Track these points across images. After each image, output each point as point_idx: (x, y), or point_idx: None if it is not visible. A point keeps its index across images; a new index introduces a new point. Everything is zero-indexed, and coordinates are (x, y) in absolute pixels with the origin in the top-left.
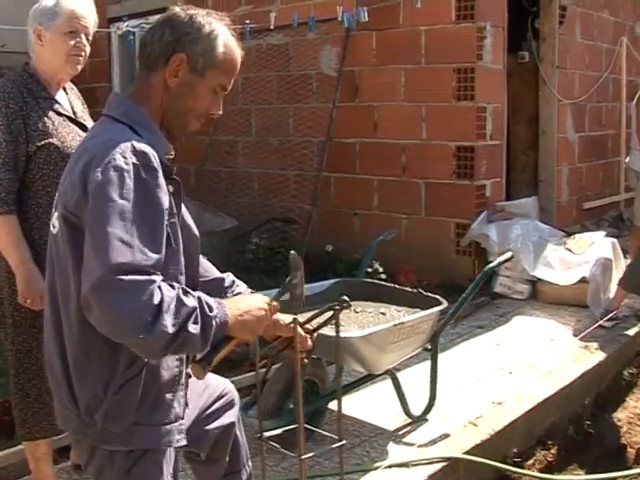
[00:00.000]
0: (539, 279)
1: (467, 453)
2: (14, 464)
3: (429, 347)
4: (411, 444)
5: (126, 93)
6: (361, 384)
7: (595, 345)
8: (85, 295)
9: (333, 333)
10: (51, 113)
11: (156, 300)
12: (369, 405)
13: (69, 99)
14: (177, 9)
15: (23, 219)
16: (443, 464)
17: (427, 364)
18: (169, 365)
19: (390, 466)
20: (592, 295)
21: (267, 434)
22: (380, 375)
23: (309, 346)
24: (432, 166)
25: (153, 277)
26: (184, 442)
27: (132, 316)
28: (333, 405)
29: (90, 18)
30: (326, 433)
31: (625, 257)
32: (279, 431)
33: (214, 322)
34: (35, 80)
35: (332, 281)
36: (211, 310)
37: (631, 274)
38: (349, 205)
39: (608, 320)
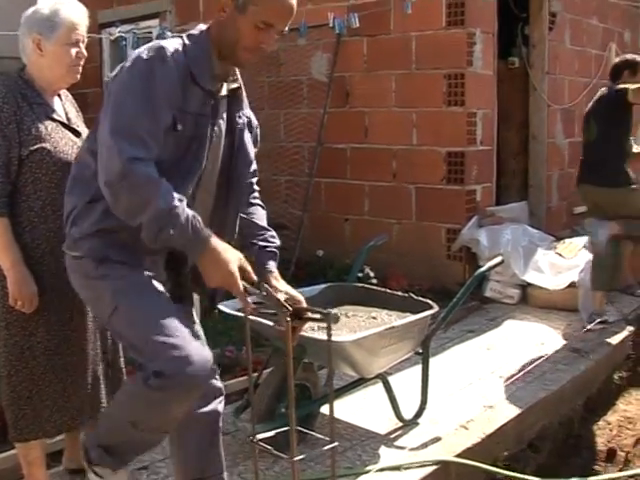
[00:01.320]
0: (529, 284)
1: (458, 456)
2: (6, 469)
3: (420, 351)
4: (403, 447)
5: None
6: (353, 388)
7: (585, 349)
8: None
9: (325, 337)
10: (45, 118)
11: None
12: (361, 409)
13: (63, 105)
14: None
15: (15, 222)
16: (435, 467)
17: (418, 368)
18: None
19: (382, 469)
20: (582, 299)
21: (259, 436)
22: (372, 379)
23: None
24: (423, 171)
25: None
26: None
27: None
28: (325, 409)
29: (85, 25)
30: (319, 435)
31: None
32: (271, 433)
33: (195, 225)
34: (30, 86)
35: (323, 286)
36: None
37: (596, 273)
38: (340, 210)
39: (598, 324)
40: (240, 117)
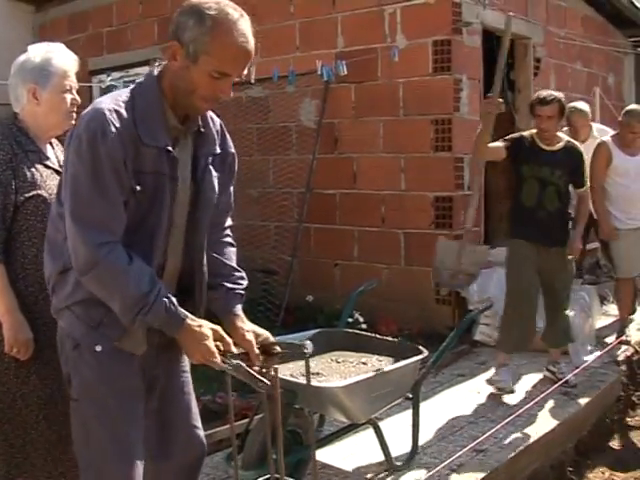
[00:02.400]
0: None
1: None
2: None
3: (411, 396)
4: None
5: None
6: (343, 434)
7: (575, 391)
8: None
9: (316, 383)
10: (39, 165)
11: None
12: (352, 455)
13: (55, 153)
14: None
15: (9, 270)
16: None
17: (409, 412)
18: None
19: None
20: (572, 343)
21: None
22: (362, 424)
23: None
24: (411, 216)
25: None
26: (99, 349)
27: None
28: (318, 454)
29: (75, 72)
30: None
31: (603, 304)
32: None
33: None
34: (24, 134)
35: (313, 331)
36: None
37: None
38: (329, 256)
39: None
40: (203, 158)
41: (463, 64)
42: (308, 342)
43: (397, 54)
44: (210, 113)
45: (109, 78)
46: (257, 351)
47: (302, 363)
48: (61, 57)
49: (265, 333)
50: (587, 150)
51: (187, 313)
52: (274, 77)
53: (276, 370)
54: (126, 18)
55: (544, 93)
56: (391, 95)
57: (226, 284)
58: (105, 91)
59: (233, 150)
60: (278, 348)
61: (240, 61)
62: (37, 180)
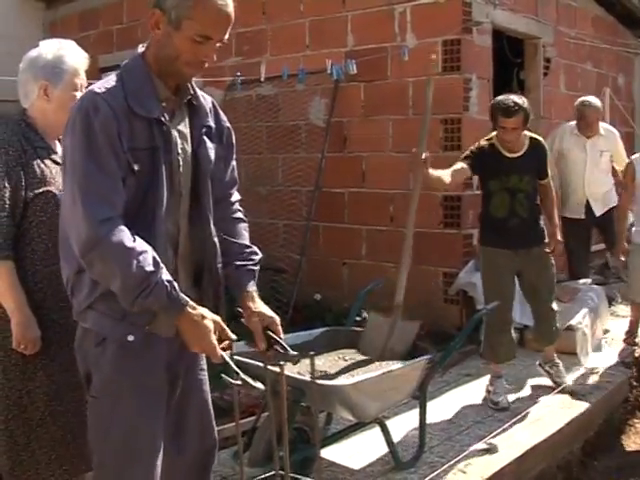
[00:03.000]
0: (526, 327)
1: None
2: None
3: (418, 395)
4: None
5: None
6: (350, 432)
7: (582, 392)
8: None
9: (324, 381)
10: (48, 161)
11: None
12: (358, 453)
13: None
14: None
15: (18, 266)
16: None
17: (416, 412)
18: None
19: None
20: (580, 344)
21: None
22: (369, 423)
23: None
24: (419, 215)
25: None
26: (131, 338)
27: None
28: (325, 452)
29: (85, 70)
30: None
31: (611, 305)
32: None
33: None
34: (33, 130)
35: (321, 330)
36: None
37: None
38: (338, 254)
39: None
40: (197, 130)
41: (473, 63)
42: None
43: (407, 53)
44: (200, 92)
45: None
46: (262, 336)
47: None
48: (73, 55)
49: (271, 316)
50: (593, 145)
51: (188, 299)
52: (284, 75)
53: (282, 366)
54: (136, 15)
55: (507, 101)
56: (401, 94)
57: (236, 262)
58: None
59: (228, 124)
60: (276, 337)
61: (221, 24)
62: (47, 176)
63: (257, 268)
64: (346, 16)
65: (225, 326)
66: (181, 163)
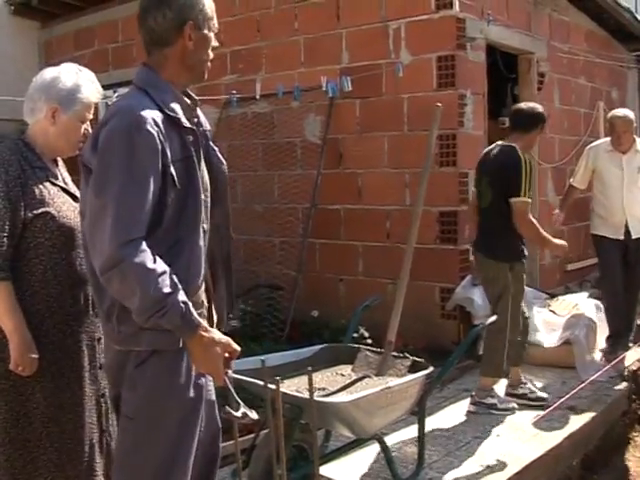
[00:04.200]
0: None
1: None
2: None
3: (416, 411)
4: None
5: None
6: (349, 449)
7: (581, 406)
8: None
9: (322, 398)
10: (47, 182)
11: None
12: (357, 470)
13: (60, 171)
14: None
15: (16, 287)
16: None
17: (414, 427)
18: None
19: None
20: (579, 357)
21: None
22: (368, 439)
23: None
24: None
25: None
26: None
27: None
28: (324, 470)
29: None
30: None
31: None
32: None
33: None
34: (31, 149)
35: (319, 347)
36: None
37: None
38: (334, 271)
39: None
40: (204, 134)
41: (467, 79)
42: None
43: (401, 69)
44: None
45: (115, 94)
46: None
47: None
48: (90, 88)
49: None
50: (629, 161)
51: (201, 321)
52: (279, 93)
53: (277, 383)
54: (132, 34)
55: None
56: (395, 110)
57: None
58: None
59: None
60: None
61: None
62: (45, 197)
63: None
64: (340, 33)
65: (234, 345)
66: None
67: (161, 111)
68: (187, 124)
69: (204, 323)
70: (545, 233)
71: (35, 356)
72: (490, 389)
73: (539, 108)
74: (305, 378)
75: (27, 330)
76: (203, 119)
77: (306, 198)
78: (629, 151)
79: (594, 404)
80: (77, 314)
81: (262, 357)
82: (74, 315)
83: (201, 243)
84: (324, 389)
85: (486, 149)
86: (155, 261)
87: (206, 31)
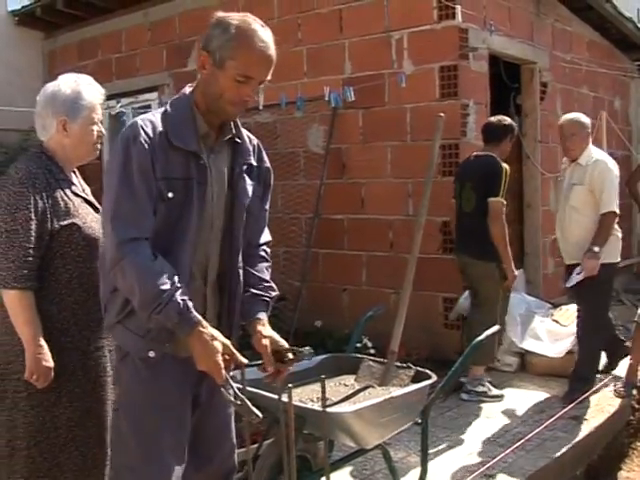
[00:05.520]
0: (527, 351)
1: None
2: None
3: (420, 421)
4: None
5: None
6: (352, 459)
7: (585, 416)
8: None
9: (329, 409)
10: (70, 194)
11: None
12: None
13: (79, 181)
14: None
15: (42, 295)
16: None
17: (418, 437)
18: None
19: None
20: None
21: None
22: (371, 450)
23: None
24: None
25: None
26: (152, 354)
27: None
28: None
29: (101, 104)
30: None
31: None
32: None
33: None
34: (54, 162)
35: (322, 357)
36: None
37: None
38: (338, 281)
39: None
40: (238, 166)
41: (470, 89)
42: (307, 347)
43: (404, 80)
44: (247, 132)
45: (119, 104)
46: (271, 357)
47: (311, 388)
48: (90, 91)
49: (280, 341)
50: (570, 174)
51: (201, 319)
52: (282, 103)
53: (290, 390)
54: (135, 44)
55: None
56: (398, 120)
57: (252, 290)
58: (115, 117)
59: (269, 165)
60: (290, 355)
61: (262, 65)
62: (70, 208)
63: (271, 302)
64: (343, 43)
65: (235, 351)
66: (215, 196)
67: (165, 130)
68: (190, 149)
69: (204, 322)
70: (509, 247)
71: (51, 365)
72: (480, 377)
73: (507, 120)
74: (308, 388)
75: (43, 340)
76: (249, 150)
77: (309, 208)
78: (576, 161)
79: (598, 414)
80: (100, 320)
81: None
82: (97, 321)
83: (181, 269)
84: (327, 399)
85: (463, 159)
86: (155, 259)
87: (219, 70)
